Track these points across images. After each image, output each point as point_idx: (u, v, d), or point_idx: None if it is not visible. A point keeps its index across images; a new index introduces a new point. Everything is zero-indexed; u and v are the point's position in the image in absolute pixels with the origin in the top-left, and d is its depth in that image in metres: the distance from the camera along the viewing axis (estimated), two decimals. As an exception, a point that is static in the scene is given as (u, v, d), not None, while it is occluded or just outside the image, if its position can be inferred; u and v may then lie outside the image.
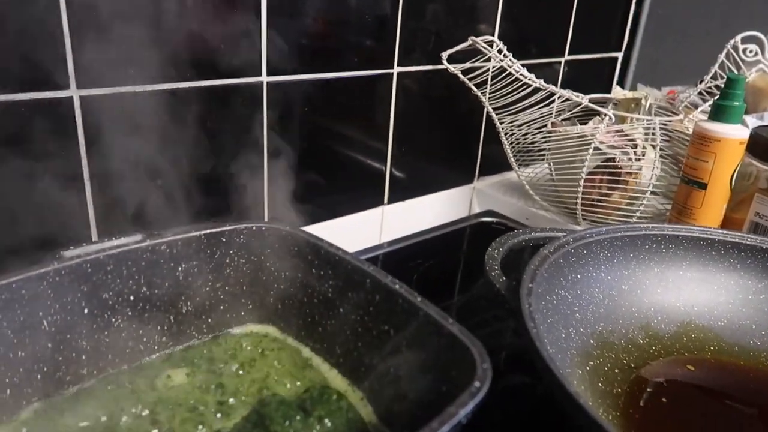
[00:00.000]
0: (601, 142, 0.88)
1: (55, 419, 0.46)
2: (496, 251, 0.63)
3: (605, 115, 0.88)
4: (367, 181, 0.93)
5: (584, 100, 0.90)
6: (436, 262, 0.92)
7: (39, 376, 0.47)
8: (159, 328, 0.54)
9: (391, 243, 0.95)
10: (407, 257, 0.94)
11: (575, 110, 0.94)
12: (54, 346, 0.47)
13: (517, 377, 0.68)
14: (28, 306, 0.45)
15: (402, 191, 0.98)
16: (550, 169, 0.99)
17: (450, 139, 1.04)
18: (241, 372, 0.53)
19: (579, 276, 0.65)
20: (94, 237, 0.63)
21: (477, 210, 1.09)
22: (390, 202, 0.96)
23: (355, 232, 0.92)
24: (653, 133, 0.88)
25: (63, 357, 0.48)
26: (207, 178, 0.70)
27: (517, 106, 0.93)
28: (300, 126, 0.79)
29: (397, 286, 0.48)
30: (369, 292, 0.50)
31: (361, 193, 0.93)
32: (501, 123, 0.95)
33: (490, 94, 0.93)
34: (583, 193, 0.90)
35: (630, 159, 0.88)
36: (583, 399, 0.41)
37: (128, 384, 0.50)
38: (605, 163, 0.89)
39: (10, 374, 0.45)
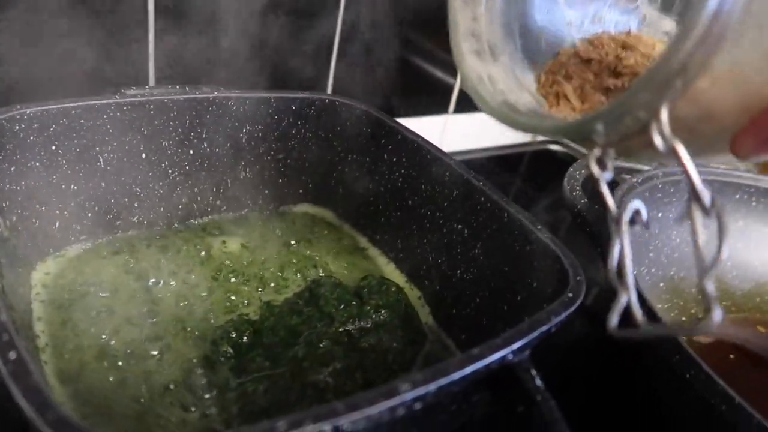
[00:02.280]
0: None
1: (101, 262, 0.43)
2: (578, 172, 0.58)
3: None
4: (434, 86, 0.87)
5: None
6: (493, 183, 0.87)
7: (89, 215, 0.44)
8: (215, 189, 0.51)
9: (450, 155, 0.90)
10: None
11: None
12: (107, 186, 0.45)
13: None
14: (85, 137, 0.42)
15: (469, 102, 0.91)
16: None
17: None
18: (294, 250, 0.50)
19: (660, 214, 0.60)
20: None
21: (541, 137, 1.02)
22: (455, 112, 0.90)
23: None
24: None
25: (115, 199, 0.45)
26: (275, 48, 0.65)
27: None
28: (376, 26, 0.73)
29: (480, 183, 0.43)
30: (446, 186, 0.45)
31: (426, 97, 0.87)
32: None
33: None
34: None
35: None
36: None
37: (179, 241, 0.47)
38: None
39: (60, 206, 0.42)
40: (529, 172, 0.95)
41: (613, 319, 0.25)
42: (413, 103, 0.86)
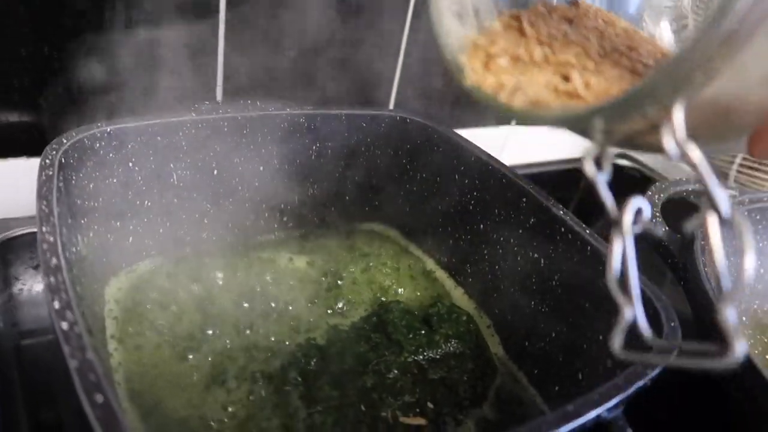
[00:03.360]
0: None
1: (171, 278, 0.43)
2: (657, 197, 0.55)
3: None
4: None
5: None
6: (553, 197, 0.85)
7: (161, 230, 0.44)
8: (282, 206, 0.50)
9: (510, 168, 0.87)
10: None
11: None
12: (179, 203, 0.44)
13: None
14: (161, 154, 0.42)
15: (533, 114, 0.88)
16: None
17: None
18: (359, 270, 0.49)
19: (744, 243, 0.56)
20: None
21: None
22: (518, 123, 0.88)
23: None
24: None
25: (186, 216, 0.45)
26: (340, 62, 0.64)
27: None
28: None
29: (561, 213, 0.41)
30: (522, 212, 0.44)
31: (489, 108, 0.85)
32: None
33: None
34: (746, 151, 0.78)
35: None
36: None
37: (247, 258, 0.47)
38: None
39: (134, 222, 0.43)
40: (590, 186, 0.92)
41: (617, 339, 0.22)
42: (474, 114, 0.84)
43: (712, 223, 0.19)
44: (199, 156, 0.44)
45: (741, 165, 0.80)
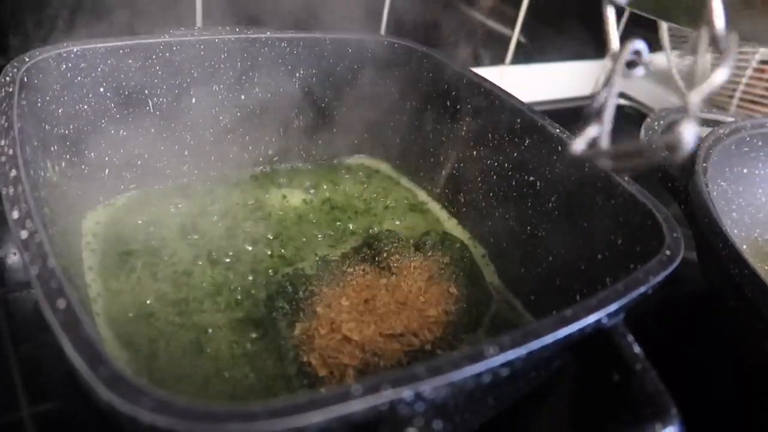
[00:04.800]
0: (788, 26, 0.73)
1: (152, 212, 0.41)
2: (657, 123, 0.53)
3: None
4: (491, 36, 0.81)
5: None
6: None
7: (139, 162, 0.42)
8: (267, 138, 0.48)
9: (505, 108, 0.85)
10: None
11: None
12: (157, 132, 0.42)
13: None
14: (134, 79, 0.40)
15: (526, 54, 0.86)
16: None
17: (589, 4, 0.89)
18: (348, 204, 0.47)
19: (746, 170, 0.55)
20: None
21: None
22: (512, 63, 0.85)
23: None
24: None
25: (165, 147, 0.43)
26: None
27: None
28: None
29: (557, 131, 0.39)
30: (518, 135, 0.42)
31: (482, 47, 0.82)
32: (665, -14, 0.80)
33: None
34: (745, 85, 0.76)
35: (820, 51, 0.72)
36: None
37: (233, 193, 0.45)
38: (786, 53, 0.74)
39: (110, 152, 0.40)
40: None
41: (579, 143, 0.23)
42: (468, 54, 0.81)
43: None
44: (176, 82, 0.42)
45: (741, 99, 0.78)
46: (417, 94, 0.49)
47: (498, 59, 0.85)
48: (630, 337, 0.26)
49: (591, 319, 0.25)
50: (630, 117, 0.88)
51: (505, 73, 0.86)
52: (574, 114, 0.89)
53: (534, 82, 0.89)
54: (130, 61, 0.39)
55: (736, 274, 0.35)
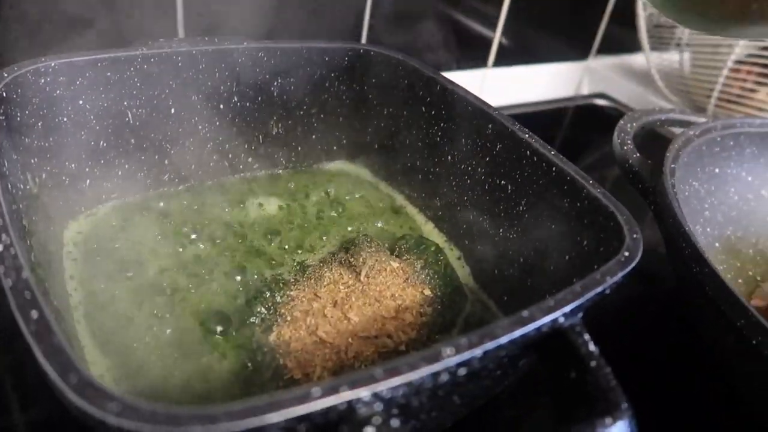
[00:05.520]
0: (761, 27, 0.74)
1: (133, 221, 0.42)
2: (629, 125, 0.54)
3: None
4: (472, 40, 0.82)
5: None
6: (534, 138, 0.84)
7: (119, 172, 0.43)
8: (246, 146, 0.49)
9: (488, 110, 0.86)
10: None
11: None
12: (137, 143, 0.43)
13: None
14: (112, 91, 0.41)
15: (508, 56, 0.87)
16: (681, 55, 0.86)
17: (570, 8, 0.91)
18: (328, 209, 0.48)
19: (717, 170, 0.56)
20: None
21: (586, 91, 0.97)
22: (494, 65, 0.86)
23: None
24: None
25: (145, 157, 0.44)
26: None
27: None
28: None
29: (526, 136, 0.40)
30: (489, 140, 0.43)
31: (464, 50, 0.83)
32: (642, -11, 0.81)
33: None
34: (722, 85, 0.78)
35: (793, 51, 0.74)
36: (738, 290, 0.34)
37: (212, 200, 0.46)
38: (760, 52, 0.75)
39: (90, 163, 0.41)
40: (573, 127, 0.91)
41: None
42: (450, 57, 0.82)
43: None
44: (155, 93, 0.43)
45: (719, 99, 0.79)
46: (393, 99, 0.50)
47: (480, 62, 0.86)
48: (586, 336, 0.27)
49: (547, 319, 0.26)
50: (610, 117, 0.89)
51: (487, 76, 0.87)
52: (555, 116, 0.90)
53: (516, 85, 0.90)
54: (109, 74, 0.40)
55: (697, 272, 0.36)
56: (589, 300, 0.28)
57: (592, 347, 0.27)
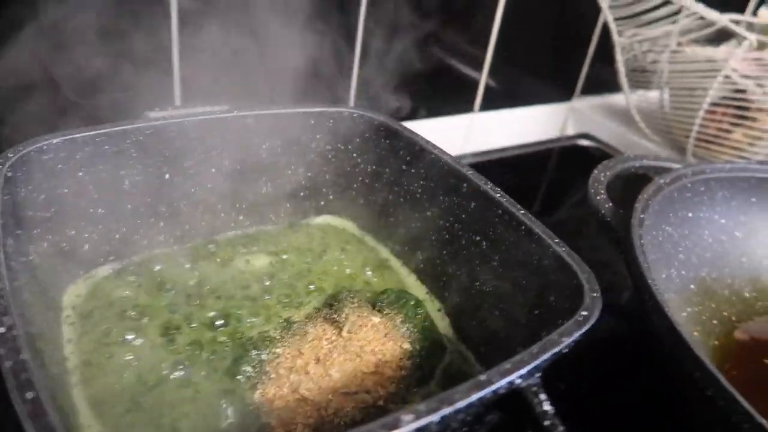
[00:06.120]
0: (734, 70, 0.77)
1: (130, 282, 0.45)
2: (603, 174, 0.57)
3: (744, 38, 0.77)
4: (459, 84, 0.86)
5: (723, 19, 0.78)
6: (519, 181, 0.87)
7: (117, 236, 0.46)
8: (237, 205, 0.52)
9: (475, 155, 0.89)
10: (489, 172, 0.88)
11: (708, 31, 0.83)
12: (133, 208, 0.46)
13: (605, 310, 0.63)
14: (110, 162, 0.44)
15: (494, 100, 0.90)
16: (661, 96, 0.89)
17: (554, 50, 0.95)
18: (315, 264, 0.51)
19: (690, 214, 0.58)
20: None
21: (570, 131, 1.00)
22: (481, 110, 0.89)
23: (438, 137, 0.86)
24: (799, 67, 0.76)
25: (141, 220, 0.47)
26: (293, 61, 0.65)
27: (641, 18, 0.83)
28: (397, 18, 0.73)
29: (498, 195, 0.43)
30: (464, 197, 0.45)
31: (451, 95, 0.86)
32: (619, 35, 0.85)
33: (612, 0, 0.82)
34: (700, 126, 0.80)
35: (765, 93, 0.77)
36: (695, 343, 0.36)
37: (205, 258, 0.48)
38: (733, 95, 0.78)
39: (89, 230, 0.44)
40: (558, 168, 0.94)
41: None
42: (438, 103, 0.85)
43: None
44: (150, 161, 0.46)
45: (697, 139, 0.82)
46: (376, 158, 0.53)
47: (468, 106, 0.89)
48: (542, 396, 0.29)
49: (503, 382, 0.28)
50: (594, 158, 0.92)
51: (474, 120, 0.90)
52: (541, 158, 0.93)
53: (503, 128, 0.93)
54: (107, 147, 0.43)
55: (658, 326, 0.38)
56: (546, 361, 0.30)
57: (546, 406, 0.29)
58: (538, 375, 0.30)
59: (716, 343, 0.54)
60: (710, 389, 0.34)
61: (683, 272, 0.56)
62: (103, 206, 0.44)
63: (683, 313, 0.54)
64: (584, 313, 0.33)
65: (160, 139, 0.45)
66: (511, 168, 0.91)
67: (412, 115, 0.81)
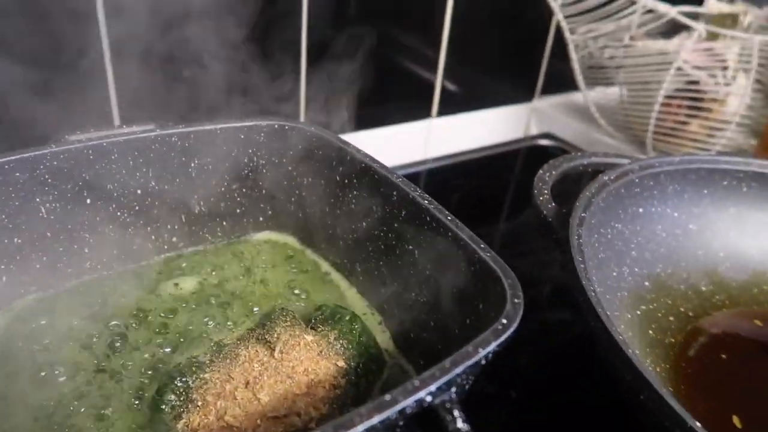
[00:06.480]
0: (686, 62, 0.77)
1: (53, 312, 0.43)
2: (548, 174, 0.56)
3: (694, 30, 0.76)
4: (414, 90, 0.85)
5: (671, 11, 0.78)
6: (482, 184, 0.86)
7: (38, 266, 0.44)
8: (169, 227, 0.50)
9: (436, 159, 0.88)
10: (452, 176, 0.87)
11: (658, 23, 0.82)
12: (53, 236, 0.44)
13: (559, 314, 0.62)
14: (23, 189, 0.42)
15: (453, 104, 0.89)
16: (620, 92, 0.88)
17: (511, 50, 0.94)
18: (254, 281, 0.49)
19: (641, 210, 0.57)
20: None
21: (534, 131, 0.99)
22: (439, 114, 0.88)
23: (398, 145, 0.85)
24: (749, 55, 0.75)
25: (63, 248, 0.45)
26: (238, 72, 0.64)
27: (592, 14, 0.82)
28: (344, 24, 0.72)
29: (426, 202, 0.42)
30: (395, 206, 0.44)
31: (407, 102, 0.85)
32: (572, 33, 0.84)
33: (562, -3, 0.82)
34: (657, 119, 0.80)
35: (717, 83, 0.76)
36: (627, 344, 0.35)
37: (133, 284, 0.47)
38: (687, 87, 0.78)
39: (6, 260, 0.42)
40: (523, 169, 0.93)
41: None
42: (392, 110, 0.84)
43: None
44: (67, 187, 0.44)
45: (656, 132, 0.81)
46: (310, 170, 0.51)
47: (425, 112, 0.88)
48: (456, 413, 0.27)
49: (410, 401, 0.26)
50: (555, 157, 0.91)
51: (433, 126, 0.89)
52: (505, 159, 0.92)
53: (464, 131, 0.92)
54: (17, 174, 0.41)
55: (593, 327, 0.37)
56: (460, 375, 0.28)
57: (460, 424, 0.27)
58: (453, 390, 0.28)
59: (672, 340, 0.52)
60: (643, 393, 0.32)
61: (636, 269, 0.55)
62: (18, 236, 0.42)
63: (637, 311, 0.53)
64: (504, 321, 0.31)
65: (78, 163, 0.44)
66: (474, 172, 0.90)
67: (366, 125, 0.80)
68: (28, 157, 0.41)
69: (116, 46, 0.56)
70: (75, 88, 0.56)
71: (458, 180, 0.86)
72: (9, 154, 0.41)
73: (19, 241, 0.43)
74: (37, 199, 0.43)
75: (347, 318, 0.43)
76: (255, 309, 0.46)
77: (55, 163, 0.43)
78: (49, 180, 0.43)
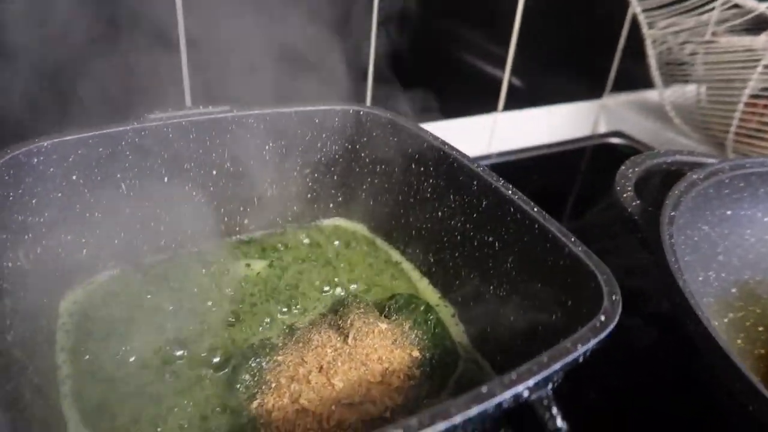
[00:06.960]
0: (776, 59, 0.72)
1: (128, 289, 0.43)
2: (631, 171, 0.53)
3: (786, 25, 0.72)
4: (481, 84, 0.83)
5: (760, 6, 0.74)
6: (547, 182, 0.83)
7: (116, 241, 0.44)
8: (242, 209, 0.50)
9: (500, 155, 0.86)
10: (516, 172, 0.85)
11: (744, 19, 0.78)
12: (131, 212, 0.45)
13: (631, 319, 0.59)
14: (105, 165, 0.42)
15: (519, 99, 0.87)
16: (698, 90, 0.84)
17: (581, 46, 0.90)
18: (324, 267, 0.48)
19: (729, 212, 0.54)
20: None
21: (602, 129, 0.96)
22: (505, 109, 0.86)
23: (462, 138, 0.83)
24: None
25: (141, 225, 0.45)
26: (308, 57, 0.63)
27: (672, 8, 0.78)
28: (414, 17, 0.70)
29: (509, 192, 0.40)
30: (475, 196, 0.42)
31: (473, 95, 0.83)
32: (650, 28, 0.80)
33: (641, -10, 0.78)
34: (740, 120, 0.75)
35: (811, 82, 0.71)
36: (732, 351, 0.32)
37: (206, 263, 0.47)
38: (776, 85, 0.73)
39: (86, 234, 0.43)
40: (590, 168, 0.90)
41: None
42: (460, 103, 0.82)
43: None
44: (147, 164, 0.44)
45: (737, 134, 0.77)
46: (385, 157, 0.50)
47: (491, 107, 0.86)
48: (554, 410, 0.26)
49: (508, 395, 0.25)
50: (627, 156, 0.87)
51: (498, 120, 0.87)
52: (572, 157, 0.89)
53: (529, 127, 0.89)
54: (101, 149, 0.42)
55: (693, 333, 0.35)
56: (557, 371, 0.27)
57: (559, 423, 0.26)
58: (549, 387, 0.27)
59: (762, 351, 0.49)
60: (752, 404, 0.30)
61: (723, 274, 0.52)
62: (99, 210, 0.43)
63: (724, 319, 0.50)
64: (602, 318, 0.29)
65: (158, 141, 0.44)
66: (539, 169, 0.87)
67: (434, 116, 0.79)
68: (111, 133, 0.42)
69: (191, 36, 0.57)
70: (151, 70, 0.57)
71: (522, 176, 0.84)
72: (92, 128, 0.41)
73: (100, 215, 0.43)
74: (118, 175, 0.43)
75: (422, 308, 0.42)
76: (325, 294, 0.45)
77: (137, 140, 0.43)
78: (130, 156, 0.43)
